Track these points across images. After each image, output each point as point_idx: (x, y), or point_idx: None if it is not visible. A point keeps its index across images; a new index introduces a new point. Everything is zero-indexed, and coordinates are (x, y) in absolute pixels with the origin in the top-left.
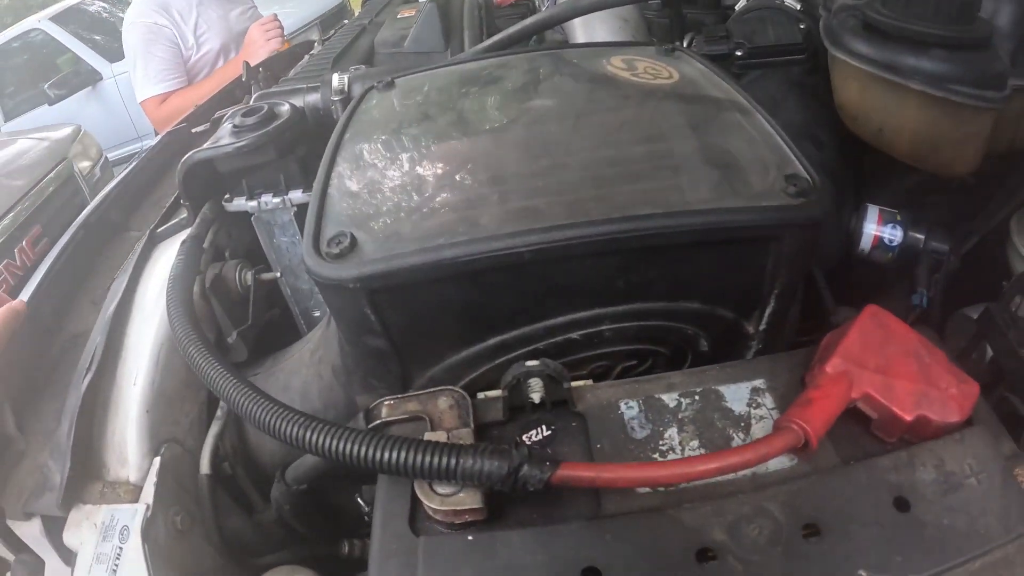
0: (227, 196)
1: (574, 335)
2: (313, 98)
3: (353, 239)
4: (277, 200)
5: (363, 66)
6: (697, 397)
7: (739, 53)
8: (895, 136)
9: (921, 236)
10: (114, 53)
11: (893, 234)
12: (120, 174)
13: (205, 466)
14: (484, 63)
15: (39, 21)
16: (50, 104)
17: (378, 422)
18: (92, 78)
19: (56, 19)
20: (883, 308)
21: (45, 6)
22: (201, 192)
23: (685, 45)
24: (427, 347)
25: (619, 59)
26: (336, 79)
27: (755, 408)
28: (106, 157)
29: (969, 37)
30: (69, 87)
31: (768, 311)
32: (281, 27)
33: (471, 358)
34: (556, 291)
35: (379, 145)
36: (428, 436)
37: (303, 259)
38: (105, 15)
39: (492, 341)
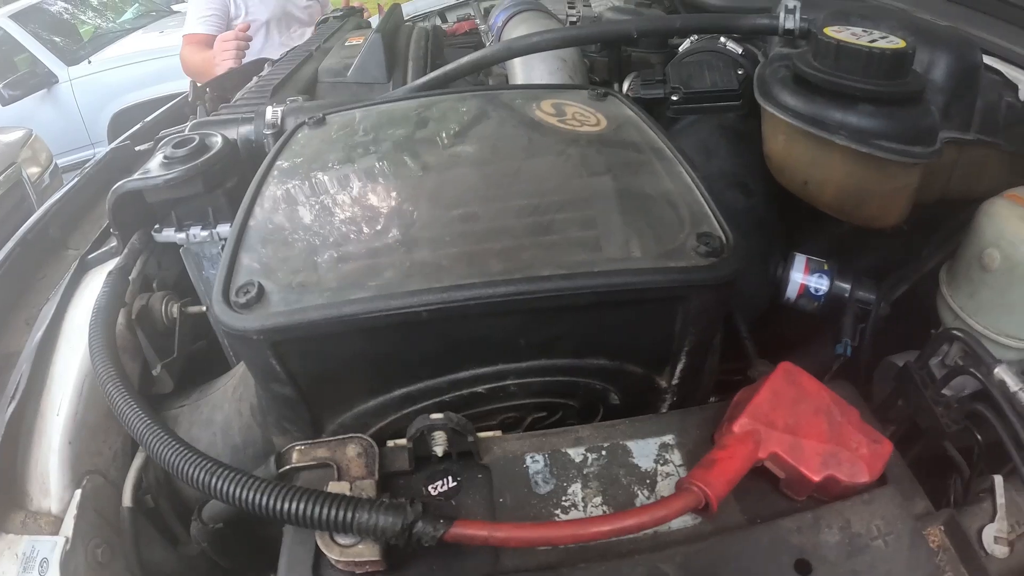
0: (157, 226)
1: (479, 389)
2: (246, 130)
3: (260, 289)
4: (205, 233)
5: (300, 97)
6: (604, 452)
7: (675, 97)
8: (820, 190)
9: (847, 286)
10: (72, 56)
11: (819, 284)
12: (61, 189)
13: (127, 499)
14: (415, 103)
15: None
16: (3, 104)
17: (287, 467)
18: (48, 80)
19: (16, 17)
20: (797, 365)
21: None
22: (130, 221)
23: (627, 85)
24: (334, 396)
25: (549, 103)
26: (270, 112)
27: (662, 464)
28: (56, 164)
29: (899, 92)
30: (24, 88)
31: (679, 367)
32: (242, 45)
33: (378, 408)
34: (457, 347)
35: (298, 189)
36: (332, 485)
37: (212, 305)
38: (66, 16)
39: (397, 393)
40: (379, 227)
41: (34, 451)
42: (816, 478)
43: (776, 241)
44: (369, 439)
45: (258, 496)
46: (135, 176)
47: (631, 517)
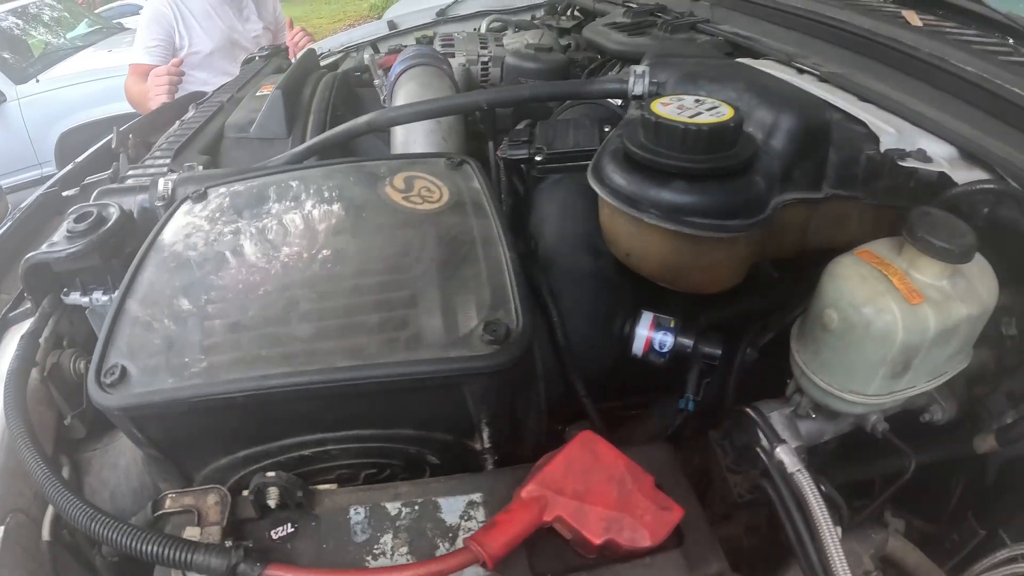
0: (65, 290)
1: (305, 452)
2: (142, 198)
3: (124, 371)
4: (106, 297)
5: (199, 164)
6: (417, 507)
7: (538, 158)
8: (642, 261)
9: (690, 342)
10: (21, 74)
11: (664, 340)
12: None
13: (46, 534)
14: (285, 176)
15: None
16: None
17: (160, 512)
18: None
19: None
20: (596, 435)
21: None
22: (42, 286)
23: (505, 146)
24: (191, 456)
25: (402, 178)
26: (161, 183)
27: (466, 520)
28: (0, 185)
29: (715, 167)
30: None
31: (486, 434)
32: (174, 80)
33: (228, 465)
34: (275, 421)
35: (165, 273)
36: (188, 530)
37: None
38: (17, 31)
39: (240, 454)
40: (217, 320)
41: None
42: (597, 541)
43: (624, 300)
44: (225, 490)
45: (122, 538)
46: (43, 249)
47: (412, 570)
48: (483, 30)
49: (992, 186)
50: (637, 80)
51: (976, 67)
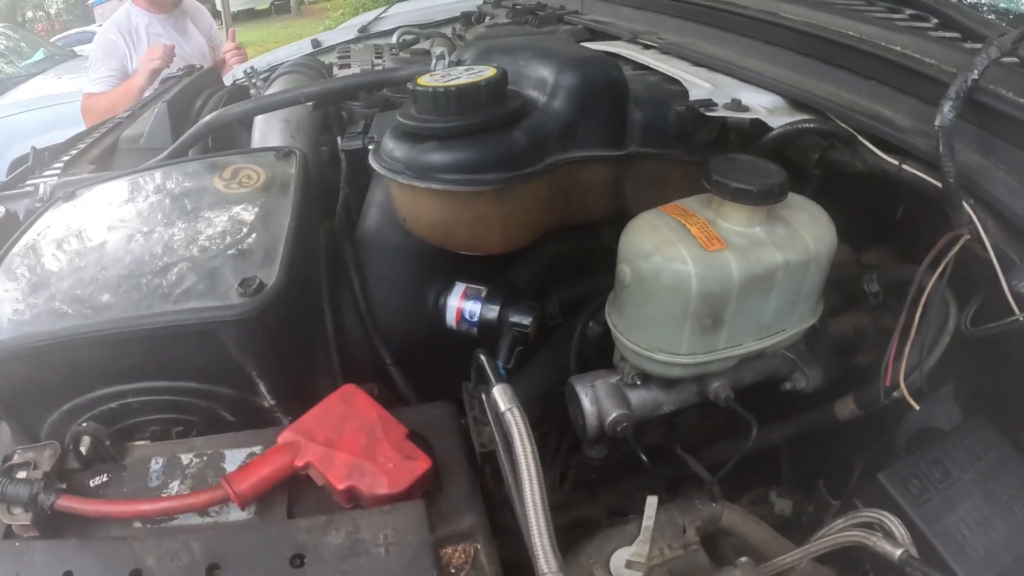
0: None
1: (113, 405)
2: (27, 202)
3: None
4: None
5: (81, 172)
6: (205, 457)
7: (371, 147)
8: (415, 224)
9: (495, 308)
10: None
11: (472, 309)
12: None
13: None
14: (143, 174)
15: None
16: None
17: (9, 464)
18: None
19: None
20: (358, 388)
21: None
22: None
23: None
24: (27, 410)
25: (231, 169)
26: (42, 187)
27: None
28: None
29: (464, 124)
30: None
31: (264, 389)
32: (167, 57)
33: (59, 420)
34: (80, 371)
35: (20, 255)
36: (20, 474)
37: None
38: None
39: (64, 407)
40: (42, 284)
41: None
42: (340, 486)
43: (438, 273)
44: (57, 444)
45: None
46: None
47: (167, 502)
48: (393, 42)
49: (809, 125)
50: (439, 62)
51: (808, 17)
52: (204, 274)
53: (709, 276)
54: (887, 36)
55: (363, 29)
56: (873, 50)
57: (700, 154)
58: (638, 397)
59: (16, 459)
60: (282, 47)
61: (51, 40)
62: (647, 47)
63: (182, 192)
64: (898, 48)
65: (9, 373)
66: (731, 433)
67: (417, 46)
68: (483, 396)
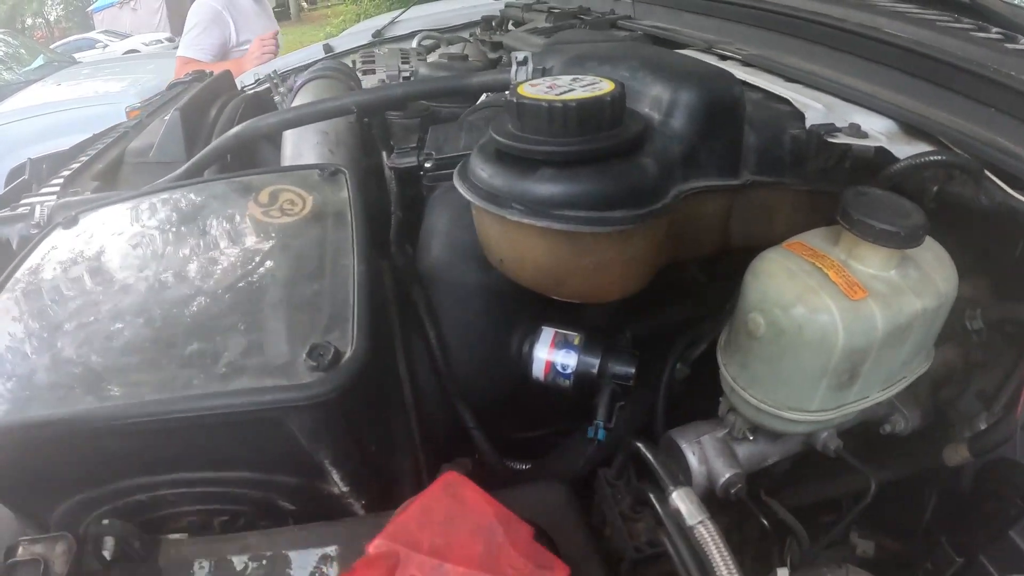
0: None
1: (141, 497)
2: (20, 227)
3: None
4: None
5: (85, 191)
6: (265, 561)
7: (427, 164)
8: (517, 268)
9: (595, 360)
10: None
11: (566, 360)
12: None
13: None
14: (158, 197)
15: None
16: None
17: (12, 560)
18: None
19: None
20: (463, 477)
21: None
22: None
23: (394, 154)
24: (31, 498)
25: (268, 192)
26: (38, 210)
27: None
28: None
29: (590, 148)
30: None
31: (337, 476)
32: (277, 45)
33: (70, 510)
34: (99, 461)
35: (15, 300)
36: None
37: None
38: None
39: (77, 498)
40: (48, 344)
41: None
42: None
43: (521, 316)
44: (72, 538)
45: None
46: None
47: None
48: (413, 47)
49: (939, 158)
50: (520, 68)
51: (913, 34)
52: (256, 337)
53: (855, 329)
54: (999, 60)
55: (377, 33)
56: (993, 76)
57: (812, 183)
58: (746, 452)
59: (21, 554)
60: (291, 53)
61: (51, 47)
62: (723, 58)
63: (210, 221)
64: (1012, 73)
65: (7, 461)
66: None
67: (449, 51)
68: (650, 496)
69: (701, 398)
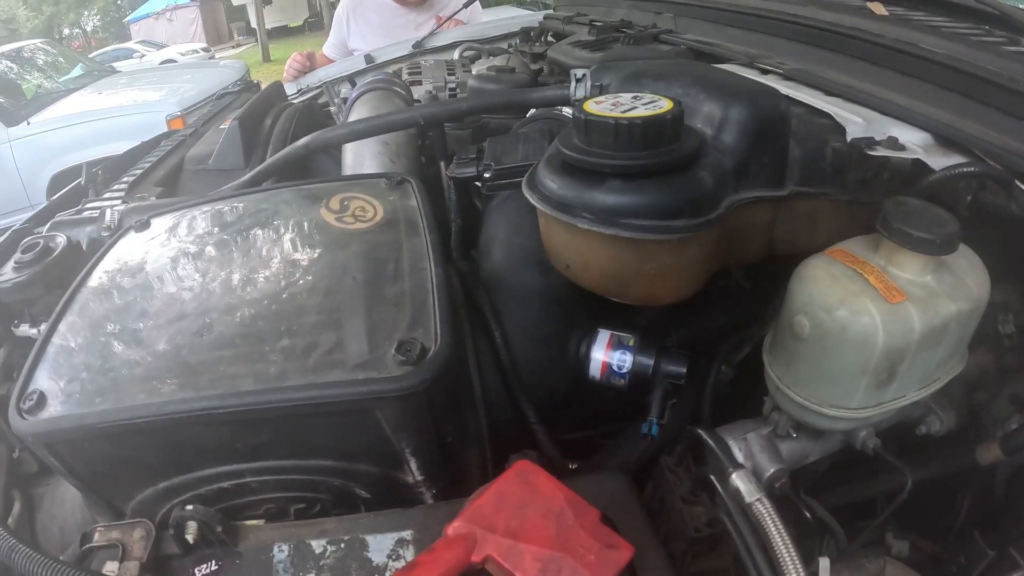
0: (16, 322)
1: (225, 484)
2: (90, 229)
3: (41, 396)
4: None
5: (151, 194)
6: (343, 544)
7: (487, 174)
8: (582, 272)
9: (650, 361)
10: (12, 116)
11: (622, 360)
12: None
13: None
14: (227, 204)
15: None
16: None
17: (88, 546)
18: None
19: None
20: (535, 464)
21: None
22: None
23: (453, 164)
24: (112, 488)
25: (338, 199)
26: (108, 214)
27: (394, 560)
28: None
29: (652, 163)
30: None
31: (415, 465)
32: (294, 66)
33: (152, 497)
34: (185, 450)
35: (99, 301)
36: (108, 565)
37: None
38: (12, 75)
39: (161, 485)
40: (136, 340)
41: None
42: None
43: (579, 319)
44: (150, 524)
45: (35, 568)
46: None
47: None
48: (456, 58)
49: (973, 169)
50: (578, 84)
51: (947, 49)
52: (343, 334)
53: (894, 331)
54: None
55: (418, 45)
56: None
57: (851, 193)
58: (789, 449)
59: (98, 539)
60: (332, 64)
61: (90, 56)
62: (765, 72)
63: (285, 226)
64: None
65: (94, 451)
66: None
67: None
68: (710, 478)
69: (744, 399)
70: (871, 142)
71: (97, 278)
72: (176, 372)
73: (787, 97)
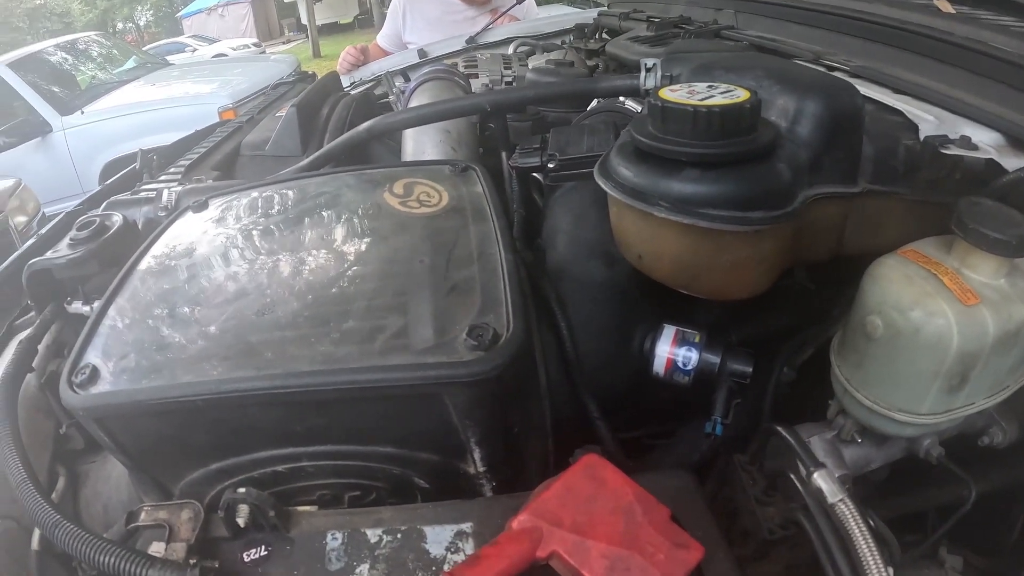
0: (68, 299)
1: (279, 468)
2: (147, 210)
3: (94, 371)
4: None
5: (208, 177)
6: (400, 535)
7: (551, 165)
8: (655, 263)
9: (716, 359)
10: (67, 106)
11: (688, 356)
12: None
13: (35, 542)
14: (287, 185)
15: None
16: None
17: (133, 525)
18: (42, 129)
19: (15, 66)
20: (603, 459)
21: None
22: (45, 294)
23: (516, 154)
24: (162, 466)
25: (402, 184)
26: (165, 194)
27: (453, 553)
28: (44, 212)
29: (731, 152)
30: (19, 135)
31: (478, 455)
32: (347, 59)
33: (202, 478)
34: (240, 431)
35: (154, 279)
36: (154, 545)
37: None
38: (67, 67)
39: (213, 467)
40: (194, 318)
41: None
42: None
43: (643, 314)
44: (199, 506)
45: (81, 547)
46: (46, 255)
47: None
48: (511, 52)
49: None
50: (648, 74)
51: (1018, 48)
52: (411, 317)
53: (969, 334)
54: None
55: (471, 40)
56: None
57: (921, 193)
58: (852, 454)
59: (144, 519)
60: (386, 58)
61: (144, 50)
62: (831, 69)
63: (348, 208)
64: None
65: (146, 429)
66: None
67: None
68: (791, 476)
69: (802, 402)
70: (944, 140)
71: (153, 256)
72: (235, 351)
73: (860, 92)
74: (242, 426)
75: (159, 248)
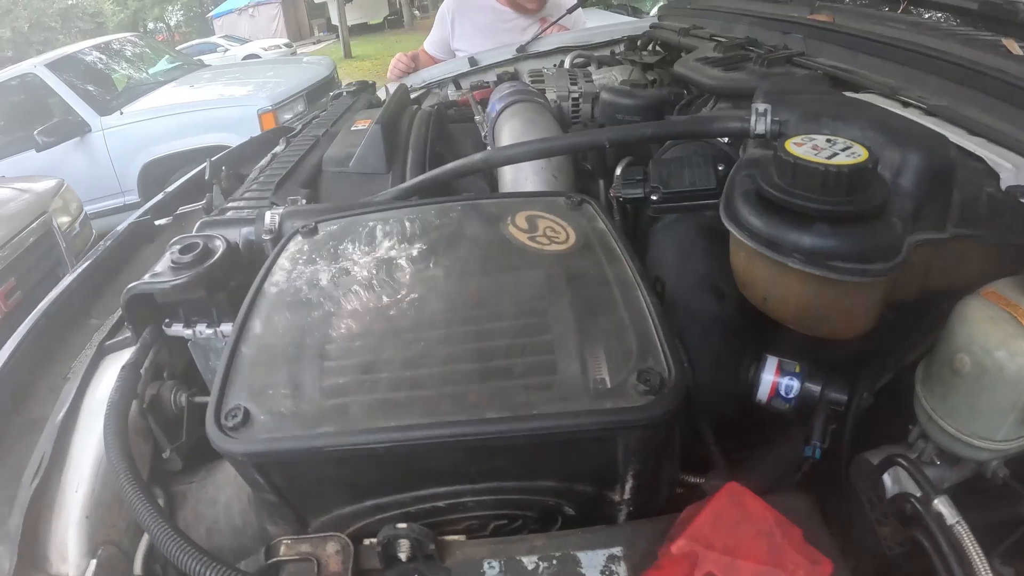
0: (167, 321)
1: (439, 503)
2: (247, 231)
3: (247, 414)
4: (210, 331)
5: (301, 197)
6: (555, 561)
7: (654, 197)
8: (779, 306)
9: (817, 388)
10: (105, 106)
11: (790, 385)
12: (81, 264)
13: (138, 567)
14: (400, 213)
15: (35, 67)
16: (37, 150)
17: (274, 559)
18: (80, 129)
19: (52, 66)
20: (743, 487)
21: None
22: (143, 317)
23: (618, 170)
24: (314, 503)
25: (523, 217)
26: (268, 217)
27: None
28: (85, 213)
29: (856, 210)
30: (58, 135)
31: (629, 485)
32: (398, 66)
33: (353, 514)
34: (413, 473)
35: (285, 310)
36: None
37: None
38: (100, 66)
39: (369, 503)
40: (348, 362)
41: (54, 522)
42: None
43: (748, 344)
44: (347, 539)
45: None
46: (146, 279)
47: None
48: (567, 66)
49: None
50: (759, 119)
51: None
52: (572, 360)
53: None
54: None
55: (521, 48)
56: None
57: (999, 236)
58: (930, 475)
59: (284, 553)
60: (436, 65)
61: (176, 50)
62: (906, 104)
63: (476, 243)
64: None
65: (310, 471)
66: None
67: (612, 73)
68: (911, 501)
69: (881, 424)
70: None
71: (275, 285)
72: (406, 393)
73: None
74: (416, 468)
75: (278, 276)
